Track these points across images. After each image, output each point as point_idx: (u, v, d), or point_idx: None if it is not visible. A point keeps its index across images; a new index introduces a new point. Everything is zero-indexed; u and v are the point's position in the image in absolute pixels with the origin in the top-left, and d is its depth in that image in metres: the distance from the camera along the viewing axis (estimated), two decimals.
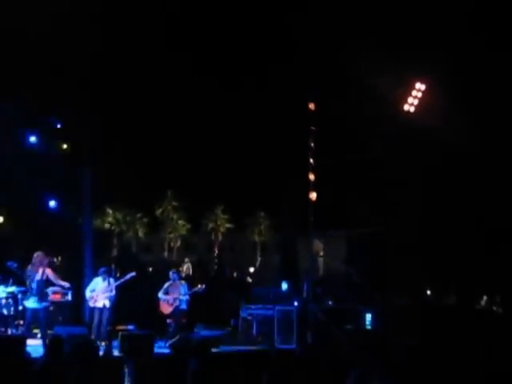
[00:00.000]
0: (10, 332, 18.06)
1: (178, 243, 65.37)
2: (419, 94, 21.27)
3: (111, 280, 18.49)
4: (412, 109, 21.23)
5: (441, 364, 14.22)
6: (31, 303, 16.89)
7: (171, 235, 65.35)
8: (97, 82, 21.51)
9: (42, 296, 16.96)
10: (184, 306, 19.23)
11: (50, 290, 20.34)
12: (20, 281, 18.92)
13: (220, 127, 27.74)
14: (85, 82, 21.21)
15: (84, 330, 17.81)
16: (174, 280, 19.29)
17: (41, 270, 16.98)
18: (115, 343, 16.33)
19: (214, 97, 25.63)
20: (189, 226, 65.52)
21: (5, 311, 18.56)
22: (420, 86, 21.30)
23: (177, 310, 19.08)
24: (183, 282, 19.73)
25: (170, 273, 19.58)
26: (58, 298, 20.50)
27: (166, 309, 19.17)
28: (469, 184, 24.12)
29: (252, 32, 22.85)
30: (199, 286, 19.59)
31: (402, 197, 23.76)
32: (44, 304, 17.10)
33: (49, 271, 17.14)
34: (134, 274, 18.62)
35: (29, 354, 14.47)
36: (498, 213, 24.71)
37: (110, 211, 60.31)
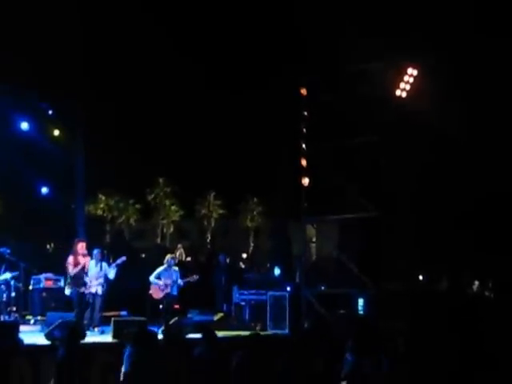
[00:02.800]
0: (2, 318, 18.08)
1: (171, 229, 65.31)
2: (411, 80, 21.27)
3: (104, 264, 18.49)
4: (404, 94, 21.23)
5: (432, 348, 14.28)
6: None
7: (164, 221, 65.25)
8: (89, 68, 21.45)
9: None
10: (175, 292, 19.15)
11: (42, 276, 20.41)
12: (13, 267, 18.98)
13: (212, 113, 27.72)
14: (77, 68, 21.15)
15: None
16: (169, 266, 19.23)
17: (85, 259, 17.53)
18: (107, 329, 16.39)
19: (205, 83, 25.59)
20: (181, 212, 65.38)
21: None
22: (412, 71, 21.29)
23: (167, 295, 19.03)
24: (176, 268, 19.67)
25: (167, 258, 19.47)
26: (50, 284, 20.55)
27: (157, 294, 19.10)
28: (462, 170, 24.14)
29: (243, 18, 22.78)
30: (194, 276, 19.52)
31: (395, 182, 23.81)
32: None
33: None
34: (124, 258, 18.64)
35: (21, 340, 14.49)
36: (491, 199, 24.76)
37: (103, 197, 60.13)
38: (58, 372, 10.96)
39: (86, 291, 18.41)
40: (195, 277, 19.50)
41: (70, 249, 18.30)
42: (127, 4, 21.52)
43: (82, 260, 17.76)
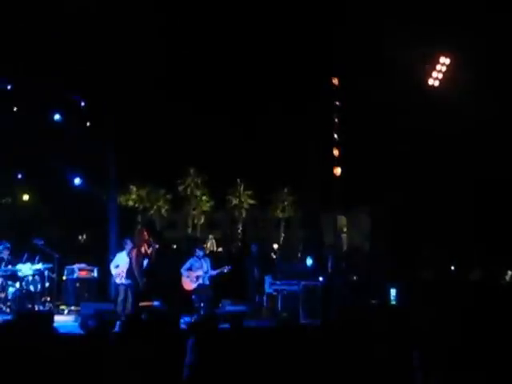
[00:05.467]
0: (37, 308, 18.23)
1: (202, 220, 65.30)
2: (444, 69, 21.14)
3: None
4: (437, 83, 21.11)
5: (463, 337, 14.20)
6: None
7: (195, 212, 65.22)
8: (120, 60, 21.51)
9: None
10: (207, 282, 19.26)
11: (76, 266, 20.54)
12: (46, 257, 19.13)
13: (243, 103, 27.68)
14: (109, 60, 21.23)
15: (110, 306, 17.96)
16: (199, 256, 19.32)
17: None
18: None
19: (236, 72, 25.54)
20: (212, 202, 65.32)
21: (32, 288, 18.76)
22: (444, 61, 21.16)
23: (199, 286, 19.12)
24: (206, 258, 19.75)
25: (196, 249, 19.61)
26: (84, 274, 20.68)
27: (189, 285, 19.21)
28: (494, 159, 23.97)
29: (276, 7, 22.70)
30: (226, 266, 19.58)
31: (426, 171, 23.67)
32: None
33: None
34: (156, 246, 18.59)
35: (56, 329, 14.60)
36: None
37: (134, 188, 60.27)
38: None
39: (118, 281, 18.45)
40: (227, 267, 19.56)
41: (101, 240, 18.31)
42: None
43: (144, 250, 17.50)
